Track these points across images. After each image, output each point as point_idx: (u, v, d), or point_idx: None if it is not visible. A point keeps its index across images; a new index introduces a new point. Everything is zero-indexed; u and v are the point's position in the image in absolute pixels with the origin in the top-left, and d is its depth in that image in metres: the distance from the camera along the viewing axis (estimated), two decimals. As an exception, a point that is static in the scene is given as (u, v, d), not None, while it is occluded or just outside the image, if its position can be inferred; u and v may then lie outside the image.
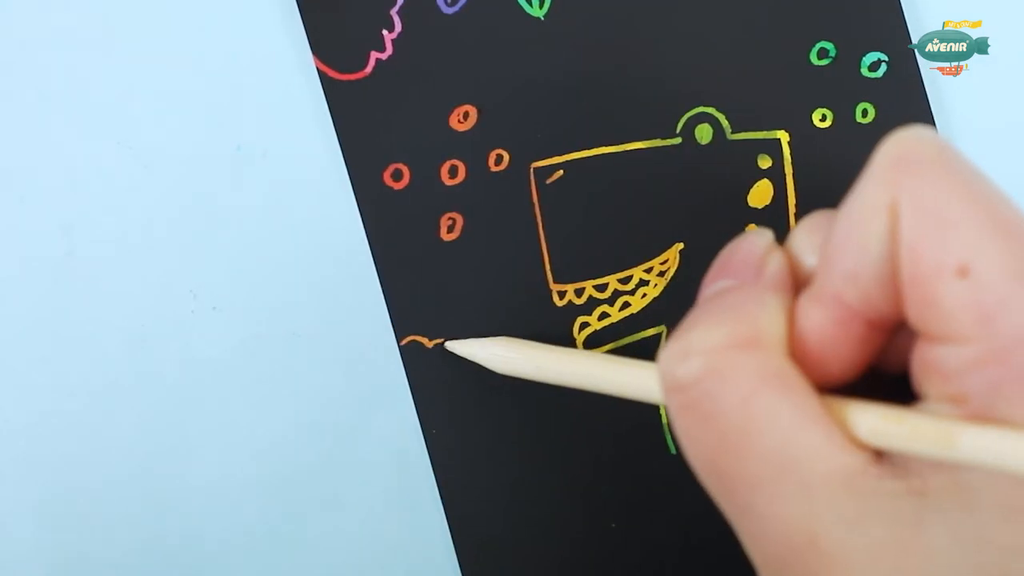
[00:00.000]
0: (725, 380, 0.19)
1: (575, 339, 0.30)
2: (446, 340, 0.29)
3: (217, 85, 0.28)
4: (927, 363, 0.19)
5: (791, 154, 0.31)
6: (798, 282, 0.21)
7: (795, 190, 0.31)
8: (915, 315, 0.19)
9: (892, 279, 0.19)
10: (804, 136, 0.31)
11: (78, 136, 0.28)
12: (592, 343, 0.30)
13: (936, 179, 0.19)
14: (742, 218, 0.31)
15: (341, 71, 0.28)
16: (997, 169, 0.18)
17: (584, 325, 0.30)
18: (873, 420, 0.19)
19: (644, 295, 0.30)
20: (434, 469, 0.29)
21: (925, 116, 0.32)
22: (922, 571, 0.18)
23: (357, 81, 0.28)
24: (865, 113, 0.31)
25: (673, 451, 0.31)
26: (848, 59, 0.31)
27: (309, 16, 0.28)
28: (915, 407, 0.20)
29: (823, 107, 0.31)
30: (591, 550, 0.30)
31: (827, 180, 0.31)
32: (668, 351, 0.20)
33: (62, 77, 0.27)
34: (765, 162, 0.31)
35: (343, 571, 0.30)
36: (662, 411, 0.31)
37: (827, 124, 0.31)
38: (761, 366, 0.19)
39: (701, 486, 0.22)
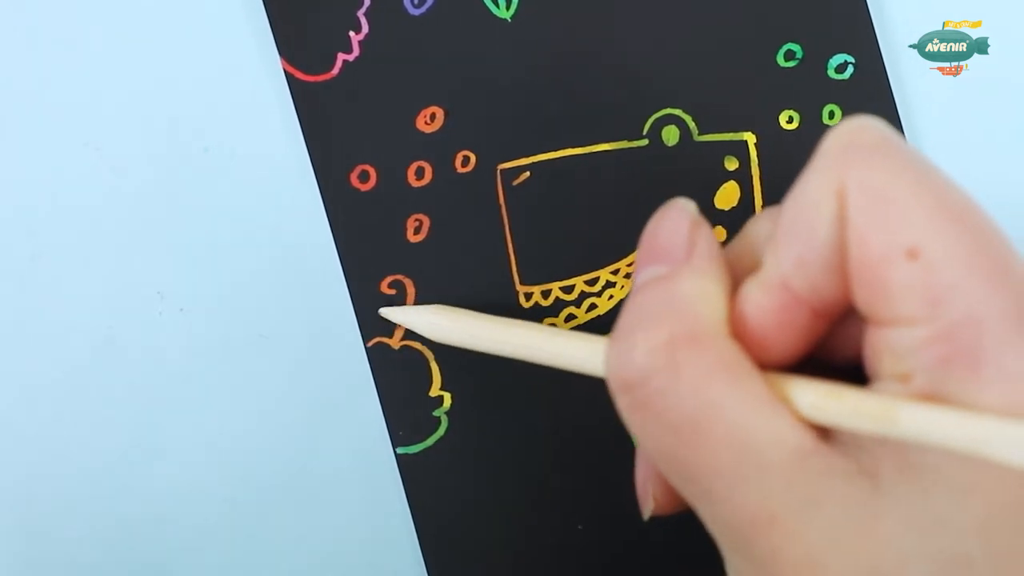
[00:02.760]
0: (672, 377, 0.19)
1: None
2: (381, 308, 0.29)
3: (184, 87, 0.28)
4: (875, 346, 0.19)
5: (758, 156, 0.31)
6: (752, 268, 0.21)
7: (762, 192, 0.31)
8: (863, 299, 0.19)
9: (839, 265, 0.19)
10: (771, 138, 0.31)
11: (44, 138, 0.27)
12: (559, 344, 0.30)
13: (883, 164, 0.19)
14: (709, 220, 0.30)
15: (308, 72, 0.28)
16: (996, 169, 0.18)
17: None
18: (814, 397, 0.19)
19: (611, 297, 0.31)
20: (400, 469, 0.29)
21: (892, 117, 0.32)
22: (878, 555, 0.18)
23: (324, 82, 0.28)
24: (832, 115, 0.32)
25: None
26: (815, 61, 0.31)
27: (276, 17, 0.28)
28: (863, 388, 0.20)
29: (790, 109, 0.31)
30: (558, 551, 0.31)
31: (794, 182, 0.31)
32: (613, 352, 0.20)
33: (28, 79, 0.27)
34: (732, 164, 0.31)
35: (309, 571, 0.30)
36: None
37: (794, 126, 0.31)
38: (706, 359, 0.19)
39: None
